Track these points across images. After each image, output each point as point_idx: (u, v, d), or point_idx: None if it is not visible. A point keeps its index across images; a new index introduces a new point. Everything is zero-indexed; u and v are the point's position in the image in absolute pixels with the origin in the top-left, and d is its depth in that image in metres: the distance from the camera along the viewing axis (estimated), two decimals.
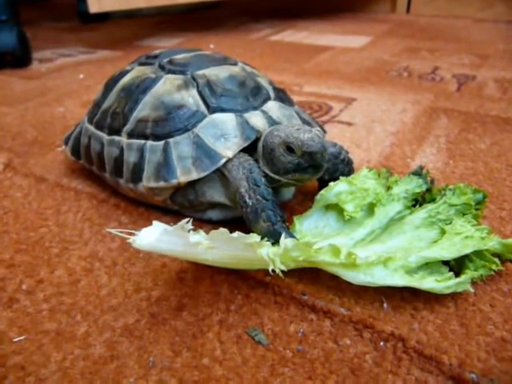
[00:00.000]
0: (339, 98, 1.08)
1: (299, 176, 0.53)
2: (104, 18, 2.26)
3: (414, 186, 0.59)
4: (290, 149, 0.51)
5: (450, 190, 0.56)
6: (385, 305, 0.46)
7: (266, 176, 0.54)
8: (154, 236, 0.42)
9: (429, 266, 0.49)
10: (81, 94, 1.16)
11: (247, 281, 0.51)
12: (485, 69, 1.31)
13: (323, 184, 0.60)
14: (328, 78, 1.26)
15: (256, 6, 2.45)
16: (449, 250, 0.48)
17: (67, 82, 1.28)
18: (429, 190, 0.60)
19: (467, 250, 0.48)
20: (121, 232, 0.44)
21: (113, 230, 0.46)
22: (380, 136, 0.88)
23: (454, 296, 0.48)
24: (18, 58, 1.41)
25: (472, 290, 0.47)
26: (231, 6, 2.57)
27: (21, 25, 1.44)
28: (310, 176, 0.53)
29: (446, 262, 0.49)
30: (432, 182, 0.60)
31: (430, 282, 0.46)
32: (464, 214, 0.54)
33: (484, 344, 0.42)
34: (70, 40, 1.86)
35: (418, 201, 0.58)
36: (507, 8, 2.09)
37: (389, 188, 0.59)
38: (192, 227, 0.43)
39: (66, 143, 0.75)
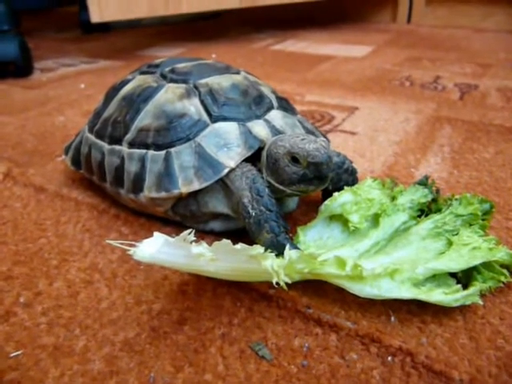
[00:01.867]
0: (341, 108, 1.08)
1: (304, 187, 0.52)
2: (106, 28, 2.27)
3: (420, 195, 0.57)
4: (295, 159, 0.50)
5: (457, 199, 0.55)
6: (392, 318, 0.45)
7: (269, 186, 0.53)
8: (155, 247, 0.41)
9: (436, 279, 0.48)
10: (82, 104, 1.15)
11: (250, 293, 0.50)
12: (487, 78, 1.31)
13: (327, 194, 0.59)
14: (330, 87, 1.25)
15: (257, 16, 2.46)
16: (457, 261, 0.47)
17: (68, 91, 1.28)
18: (434, 200, 0.58)
19: (475, 262, 0.47)
20: (121, 243, 0.43)
21: (113, 242, 0.45)
22: (383, 145, 0.87)
23: (463, 309, 0.46)
24: (19, 68, 1.41)
25: (481, 302, 0.46)
26: (232, 17, 2.59)
27: (23, 35, 1.45)
28: (315, 187, 0.52)
29: (453, 274, 0.48)
30: (438, 191, 0.59)
31: (438, 295, 0.45)
32: (471, 225, 0.53)
33: (495, 358, 0.41)
34: (71, 50, 1.86)
35: (423, 211, 0.57)
36: (508, 17, 2.10)
37: (394, 198, 0.57)
38: (194, 238, 0.42)
39: (67, 153, 0.74)
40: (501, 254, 0.48)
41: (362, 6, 2.34)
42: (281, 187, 0.53)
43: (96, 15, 1.51)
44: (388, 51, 1.69)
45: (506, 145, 0.85)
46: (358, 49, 1.74)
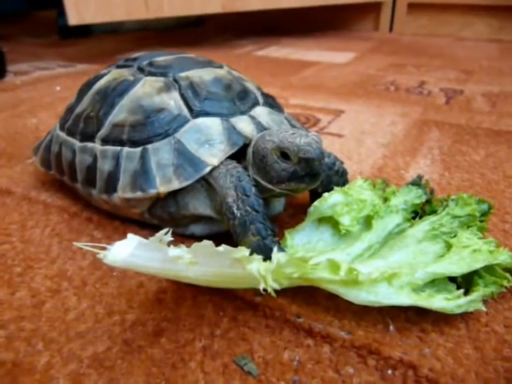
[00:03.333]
0: (327, 111, 1.05)
1: (294, 185, 0.48)
2: (85, 33, 2.22)
3: (414, 196, 0.54)
4: (284, 155, 0.46)
5: (453, 200, 0.52)
6: (391, 327, 0.41)
7: (256, 185, 0.49)
8: (128, 250, 0.37)
9: (435, 284, 0.44)
10: (56, 106, 1.10)
11: (234, 302, 0.45)
12: (471, 83, 1.30)
13: (316, 196, 0.55)
14: (314, 91, 1.23)
15: (240, 23, 2.44)
16: (458, 264, 0.43)
17: (43, 94, 1.22)
18: (428, 201, 0.55)
19: (478, 265, 0.44)
20: (91, 247, 0.38)
21: (82, 245, 0.40)
22: (371, 148, 0.84)
23: (465, 316, 0.43)
24: None
25: (484, 308, 0.42)
26: (215, 24, 2.56)
27: None
28: (307, 186, 0.48)
29: (452, 279, 0.45)
30: (432, 192, 0.56)
31: (439, 301, 0.41)
32: (468, 226, 0.50)
33: (502, 370, 0.38)
34: (48, 54, 1.81)
35: (417, 213, 0.54)
36: (487, 27, 2.13)
37: (386, 199, 0.54)
38: (171, 239, 0.38)
39: (36, 153, 0.69)
40: (503, 257, 0.45)
41: (345, 14, 2.34)
42: (269, 186, 0.49)
43: (74, 18, 1.46)
44: (372, 58, 1.69)
45: (496, 147, 0.83)
46: (342, 55, 1.73)
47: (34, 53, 1.83)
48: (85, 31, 2.20)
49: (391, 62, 1.61)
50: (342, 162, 0.60)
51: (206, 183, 0.52)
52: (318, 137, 0.47)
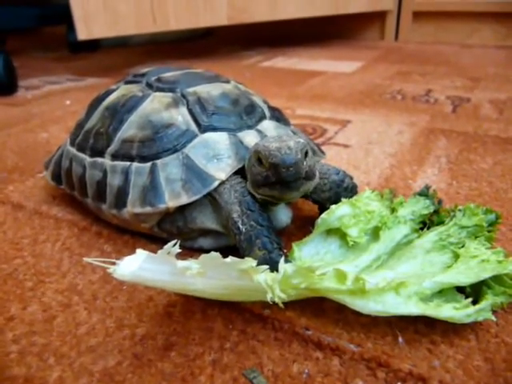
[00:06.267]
0: (334, 121, 1.06)
1: (269, 192, 0.47)
2: (94, 48, 2.25)
3: (421, 207, 0.54)
4: (259, 159, 0.46)
5: (460, 210, 0.52)
6: (400, 339, 0.41)
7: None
8: (137, 264, 0.38)
9: (443, 294, 0.44)
10: (66, 120, 1.12)
11: (243, 314, 0.45)
12: (478, 91, 1.30)
13: (324, 210, 0.55)
14: (321, 101, 1.23)
15: (247, 34, 2.46)
16: (466, 274, 0.43)
17: (53, 108, 1.24)
18: (436, 212, 0.55)
19: (486, 275, 0.43)
20: (101, 261, 0.39)
21: (92, 260, 0.41)
22: (378, 157, 0.84)
23: (474, 327, 0.43)
24: (2, 85, 1.37)
25: (494, 318, 0.42)
26: (222, 36, 2.59)
27: (7, 53, 1.41)
28: (280, 194, 0.47)
29: (460, 290, 0.45)
30: (439, 202, 0.56)
31: (448, 310, 0.41)
32: (476, 237, 0.50)
33: None
34: (58, 68, 1.84)
35: (425, 223, 0.54)
36: (494, 33, 2.12)
37: (393, 210, 0.54)
38: (179, 250, 0.38)
39: (47, 168, 0.70)
40: None
41: (350, 23, 2.35)
42: (251, 191, 0.49)
43: (83, 32, 1.49)
44: (377, 66, 1.69)
45: (504, 155, 0.83)
46: (348, 64, 1.74)
47: (44, 67, 1.86)
48: (94, 46, 2.23)
49: (397, 70, 1.61)
50: (351, 178, 0.59)
51: (211, 198, 0.52)
52: (298, 143, 0.45)
